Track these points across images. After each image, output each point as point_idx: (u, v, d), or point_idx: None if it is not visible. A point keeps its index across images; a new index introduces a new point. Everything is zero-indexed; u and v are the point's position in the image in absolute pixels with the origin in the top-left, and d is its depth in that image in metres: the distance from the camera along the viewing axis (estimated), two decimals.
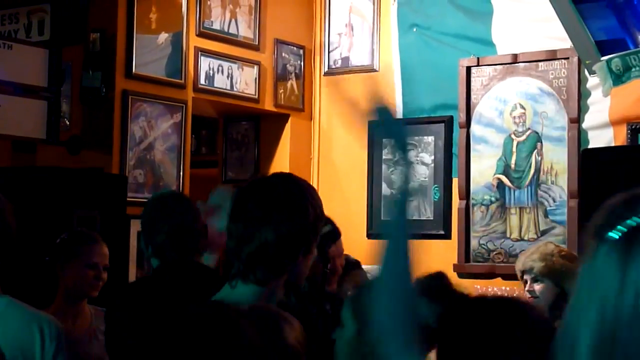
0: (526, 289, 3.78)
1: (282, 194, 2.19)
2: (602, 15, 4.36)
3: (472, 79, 5.94)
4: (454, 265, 5.86)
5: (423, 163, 6.17)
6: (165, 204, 3.30)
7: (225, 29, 6.10)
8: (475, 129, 5.93)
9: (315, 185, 6.60)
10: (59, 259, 3.68)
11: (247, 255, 2.16)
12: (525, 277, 3.80)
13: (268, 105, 6.38)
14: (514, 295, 4.35)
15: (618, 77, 4.29)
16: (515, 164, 5.78)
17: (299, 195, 2.20)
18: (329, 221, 3.59)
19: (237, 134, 6.70)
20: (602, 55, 4.25)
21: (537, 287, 3.75)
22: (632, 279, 1.08)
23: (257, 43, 6.30)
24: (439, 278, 2.30)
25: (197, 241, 3.20)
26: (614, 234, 1.12)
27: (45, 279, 3.78)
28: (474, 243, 5.87)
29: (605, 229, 1.14)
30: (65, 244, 3.72)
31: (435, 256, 5.97)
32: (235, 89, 6.15)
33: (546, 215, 5.65)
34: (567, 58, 5.59)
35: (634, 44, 4.24)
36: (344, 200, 6.47)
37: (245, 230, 2.17)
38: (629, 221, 1.12)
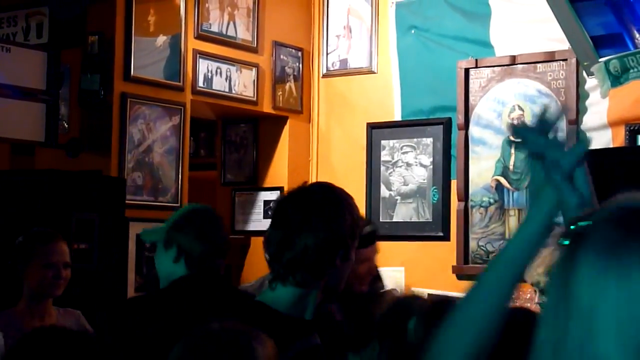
0: (535, 301, 3.77)
1: (320, 201, 2.31)
2: (600, 13, 4.37)
3: (471, 81, 5.95)
4: (453, 267, 5.86)
5: (422, 165, 6.17)
6: (211, 217, 3.25)
7: (224, 32, 6.10)
8: (473, 130, 5.93)
9: None
10: (18, 261, 3.67)
11: (287, 260, 2.26)
12: (534, 288, 3.78)
13: (266, 107, 6.39)
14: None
15: (616, 79, 4.29)
16: (514, 165, 5.78)
17: (336, 202, 2.32)
18: (369, 222, 3.74)
19: (235, 136, 6.70)
20: (599, 49, 4.26)
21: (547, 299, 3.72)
22: (573, 279, 1.04)
23: (255, 45, 6.30)
24: (448, 303, 2.34)
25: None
26: (564, 241, 1.09)
27: (11, 281, 3.77)
28: (472, 245, 5.87)
29: (562, 235, 1.11)
30: (22, 246, 3.70)
31: (434, 258, 5.98)
32: (233, 92, 6.15)
33: None
34: (566, 59, 5.60)
35: (630, 39, 4.24)
36: None
37: (285, 236, 2.27)
38: (572, 226, 1.08)
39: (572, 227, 1.09)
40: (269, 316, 2.24)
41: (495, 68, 5.88)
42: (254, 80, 6.27)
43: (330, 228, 2.26)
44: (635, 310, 0.99)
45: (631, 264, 1.01)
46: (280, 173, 6.52)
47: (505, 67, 5.84)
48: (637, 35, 4.20)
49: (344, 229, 2.28)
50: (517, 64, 5.80)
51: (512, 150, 5.79)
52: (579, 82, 5.59)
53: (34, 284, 3.64)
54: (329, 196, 2.34)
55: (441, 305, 2.33)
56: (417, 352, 2.19)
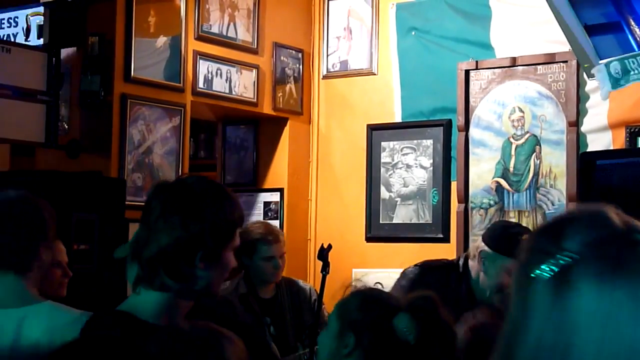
0: None
1: (180, 197, 2.11)
2: (598, 4, 4.37)
3: (471, 83, 5.94)
4: None
5: (422, 166, 6.17)
6: None
7: (224, 33, 6.10)
8: (474, 132, 5.93)
9: (314, 189, 6.61)
10: None
11: (145, 260, 2.09)
12: None
13: (267, 108, 6.38)
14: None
15: (617, 81, 4.29)
16: (514, 167, 5.78)
17: (198, 198, 2.10)
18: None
19: (235, 137, 6.70)
20: (593, 35, 4.25)
21: None
22: (569, 317, 1.06)
23: (255, 47, 6.30)
24: (429, 300, 2.30)
25: None
26: (543, 273, 1.09)
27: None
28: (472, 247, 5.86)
29: (533, 265, 1.10)
30: None
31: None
32: (233, 93, 6.15)
33: (545, 218, 5.65)
34: (566, 61, 5.60)
35: (628, 27, 4.24)
36: (343, 203, 6.47)
37: (144, 232, 2.11)
38: (559, 257, 1.08)
39: (555, 258, 1.09)
40: (133, 326, 2.05)
41: (496, 70, 5.88)
42: (254, 82, 6.27)
43: (187, 227, 2.06)
44: (619, 338, 1.03)
45: (621, 297, 1.04)
46: (281, 174, 6.51)
47: (506, 68, 5.84)
48: (634, 24, 4.20)
49: (205, 229, 2.06)
50: (517, 66, 5.80)
51: (513, 152, 5.79)
52: (580, 84, 5.58)
53: (40, 284, 3.62)
54: (190, 191, 2.11)
55: (424, 300, 2.30)
56: (411, 351, 2.20)
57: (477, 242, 3.67)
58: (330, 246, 4.51)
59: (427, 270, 3.76)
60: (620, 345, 1.03)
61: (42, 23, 5.47)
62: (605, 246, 1.08)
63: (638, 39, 4.18)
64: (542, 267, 1.09)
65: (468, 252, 3.77)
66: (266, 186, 6.55)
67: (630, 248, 1.08)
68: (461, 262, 3.71)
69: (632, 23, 4.20)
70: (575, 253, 1.08)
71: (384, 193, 6.24)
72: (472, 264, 3.64)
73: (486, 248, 3.53)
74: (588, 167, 4.16)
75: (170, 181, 2.23)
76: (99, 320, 2.16)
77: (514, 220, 5.72)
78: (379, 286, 4.55)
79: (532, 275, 1.09)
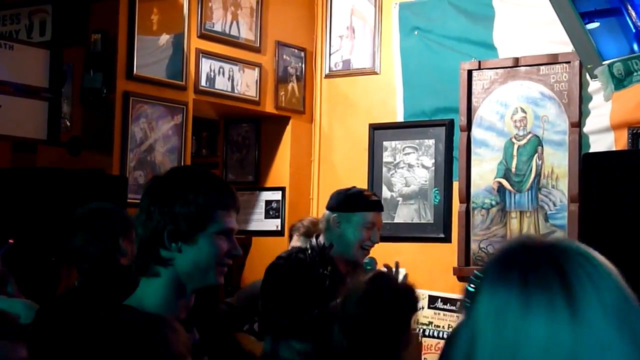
0: None
1: (159, 186, 2.21)
2: None
3: (473, 83, 5.94)
4: (454, 268, 5.85)
5: (423, 166, 6.17)
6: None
7: (227, 31, 6.10)
8: (476, 132, 5.93)
9: (315, 188, 6.60)
10: (66, 261, 3.66)
11: (137, 248, 2.22)
12: None
13: (269, 107, 6.38)
14: None
15: (619, 82, 4.29)
16: (516, 167, 5.78)
17: (172, 184, 2.19)
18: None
19: (237, 136, 6.70)
20: (586, 18, 4.25)
21: None
22: (475, 323, 1.18)
23: (258, 45, 6.30)
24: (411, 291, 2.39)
25: None
26: (469, 287, 1.23)
27: (47, 278, 3.76)
28: (474, 247, 5.86)
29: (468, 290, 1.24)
30: None
31: (435, 260, 5.97)
32: (236, 91, 6.14)
33: (547, 219, 5.65)
34: (569, 62, 5.59)
35: (626, 12, 4.23)
36: None
37: (138, 222, 2.23)
38: (476, 277, 1.23)
39: (475, 274, 1.24)
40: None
41: (498, 70, 5.87)
42: (257, 80, 6.27)
43: (153, 213, 2.16)
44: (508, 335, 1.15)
45: (507, 294, 1.17)
46: (282, 173, 6.51)
47: (508, 69, 5.83)
48: (632, 12, 4.20)
49: (171, 212, 2.15)
50: (520, 66, 5.80)
51: (515, 153, 5.79)
52: (582, 85, 5.58)
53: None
54: (170, 181, 2.21)
55: (354, 307, 2.35)
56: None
57: (325, 215, 3.99)
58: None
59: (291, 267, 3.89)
60: (507, 339, 1.14)
61: (44, 20, 5.47)
62: (501, 253, 1.24)
63: (635, 22, 4.18)
64: (468, 289, 1.23)
65: (314, 237, 4.02)
66: (268, 185, 6.55)
67: (522, 252, 1.21)
68: (314, 243, 3.94)
69: (630, 9, 4.20)
70: (483, 270, 1.23)
71: (386, 192, 6.24)
72: (326, 235, 3.93)
73: (336, 213, 3.92)
74: (590, 168, 4.15)
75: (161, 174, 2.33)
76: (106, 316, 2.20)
77: (515, 220, 5.73)
78: None
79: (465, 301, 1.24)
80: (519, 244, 1.23)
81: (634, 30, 4.21)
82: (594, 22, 4.30)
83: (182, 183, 2.19)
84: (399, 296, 2.51)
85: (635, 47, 4.24)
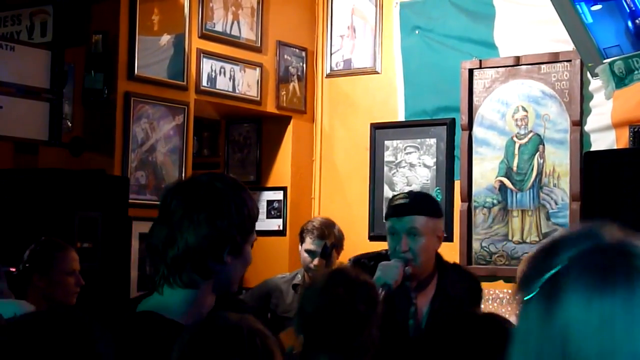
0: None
1: (202, 194, 2.14)
2: None
3: (475, 82, 5.94)
4: None
5: (425, 165, 6.17)
6: None
7: (228, 31, 6.10)
8: (477, 131, 5.93)
9: (317, 188, 6.61)
10: (36, 269, 3.63)
11: (171, 259, 2.12)
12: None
13: (270, 107, 6.39)
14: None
15: (621, 80, 4.28)
16: (518, 166, 5.78)
17: (220, 194, 2.15)
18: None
19: (239, 135, 6.71)
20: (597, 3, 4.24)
21: None
22: (559, 330, 1.08)
23: (259, 45, 6.30)
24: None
25: None
26: (532, 292, 1.12)
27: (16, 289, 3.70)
28: (475, 245, 5.86)
29: (524, 285, 1.14)
30: (39, 253, 3.68)
31: None
32: (237, 91, 6.15)
33: (548, 217, 5.65)
34: (570, 60, 5.59)
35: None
36: (346, 202, 6.47)
37: (168, 232, 2.13)
38: (545, 274, 1.11)
39: (544, 276, 1.12)
40: (161, 326, 2.09)
41: (499, 69, 5.87)
42: (258, 80, 6.27)
43: (213, 224, 2.10)
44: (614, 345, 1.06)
45: (612, 305, 1.07)
46: (284, 173, 6.52)
47: (509, 67, 5.83)
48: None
49: (230, 224, 2.12)
50: (521, 65, 5.79)
51: (516, 151, 5.79)
52: (583, 83, 5.58)
53: (52, 291, 3.60)
54: (213, 188, 2.15)
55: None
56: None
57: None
58: (333, 244, 4.51)
59: (359, 265, 3.76)
60: (619, 353, 1.05)
61: (45, 21, 5.47)
62: (592, 257, 1.10)
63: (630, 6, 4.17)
64: (532, 286, 1.12)
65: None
66: (269, 185, 6.55)
67: (620, 258, 1.10)
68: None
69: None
70: (561, 267, 1.10)
71: (387, 192, 6.24)
72: None
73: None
74: (591, 166, 4.15)
75: (184, 181, 2.28)
76: (127, 323, 2.16)
77: (517, 219, 5.73)
78: None
79: (525, 295, 1.12)
80: (595, 246, 1.12)
81: (627, 10, 4.21)
82: (597, 4, 4.28)
83: (229, 193, 2.16)
84: (354, 293, 2.46)
85: (630, 24, 4.23)
